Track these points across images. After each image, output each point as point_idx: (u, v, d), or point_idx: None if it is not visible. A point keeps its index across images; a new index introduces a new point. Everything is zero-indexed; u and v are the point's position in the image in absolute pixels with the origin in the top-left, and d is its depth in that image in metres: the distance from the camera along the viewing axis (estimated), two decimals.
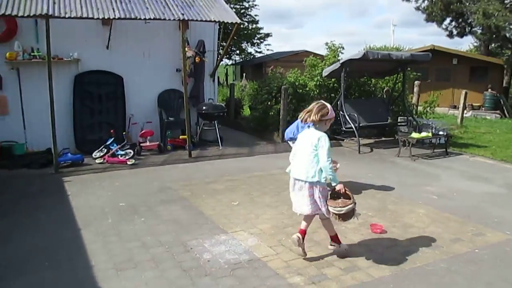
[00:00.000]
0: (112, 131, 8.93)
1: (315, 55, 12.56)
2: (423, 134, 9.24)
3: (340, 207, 4.06)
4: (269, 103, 11.28)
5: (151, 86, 9.85)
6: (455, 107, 19.13)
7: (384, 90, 12.06)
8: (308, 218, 4.41)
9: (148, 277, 3.91)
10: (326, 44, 11.86)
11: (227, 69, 37.29)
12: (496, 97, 19.61)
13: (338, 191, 4.12)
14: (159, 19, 8.34)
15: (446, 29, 23.40)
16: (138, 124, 9.60)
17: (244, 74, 27.02)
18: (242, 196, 6.36)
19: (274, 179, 7.34)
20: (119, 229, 5.05)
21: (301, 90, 11.11)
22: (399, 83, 11.47)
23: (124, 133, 9.20)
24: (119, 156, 8.47)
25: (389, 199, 6.27)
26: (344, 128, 10.11)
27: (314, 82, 11.13)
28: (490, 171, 8.14)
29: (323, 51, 12.75)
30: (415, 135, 9.17)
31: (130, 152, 8.57)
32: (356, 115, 9.97)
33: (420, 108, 12.70)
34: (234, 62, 37.87)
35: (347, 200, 4.11)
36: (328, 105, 4.08)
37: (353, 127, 9.68)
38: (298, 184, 4.19)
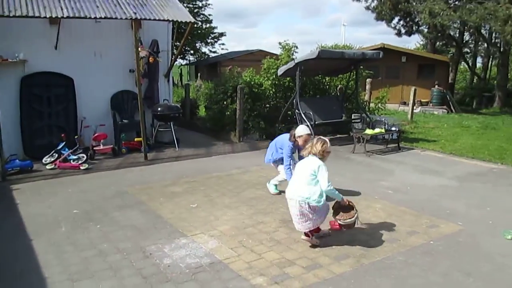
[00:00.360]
0: (63, 135, 8.58)
1: (270, 54, 12.63)
2: (377, 130, 9.49)
3: (348, 218, 4.57)
4: (225, 102, 11.21)
5: (104, 88, 9.55)
6: (405, 103, 19.79)
7: (338, 88, 12.28)
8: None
9: (105, 287, 3.77)
10: (280, 43, 11.93)
11: (181, 69, 36.85)
12: (443, 93, 20.44)
13: (343, 204, 4.64)
14: (111, 18, 8.10)
15: (394, 28, 24.16)
16: (91, 127, 9.28)
17: (199, 74, 26.77)
18: (201, 198, 6.28)
19: (232, 180, 7.30)
20: (74, 237, 4.85)
21: (257, 90, 11.11)
22: (352, 81, 11.72)
23: (76, 137, 8.87)
24: (71, 161, 8.15)
25: (346, 195, 6.36)
26: None
27: (270, 82, 11.17)
28: (440, 165, 8.46)
29: (277, 50, 12.81)
30: (369, 131, 9.40)
31: (83, 157, 8.27)
32: (311, 113, 10.08)
33: (372, 105, 13.03)
34: (188, 62, 37.48)
35: (352, 211, 4.63)
36: (327, 140, 4.66)
37: (309, 125, 9.77)
38: (290, 202, 4.53)
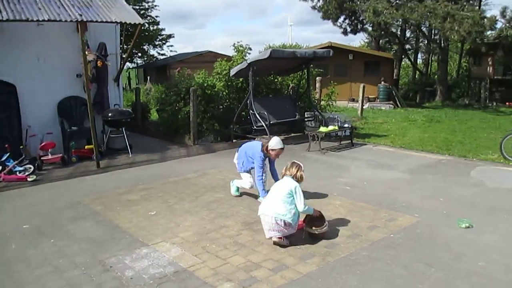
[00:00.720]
0: (7, 145, 8.10)
1: (219, 55, 12.54)
2: (330, 127, 9.66)
3: (320, 228, 4.70)
4: (178, 105, 11.02)
5: (49, 94, 9.11)
6: (353, 100, 20.32)
7: (290, 87, 12.40)
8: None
9: None
10: (234, 45, 11.89)
11: (129, 73, 35.94)
12: (389, 89, 21.17)
13: (314, 216, 4.76)
14: (54, 20, 7.72)
15: (340, 26, 24.70)
16: (37, 136, 8.82)
17: (148, 77, 26.22)
18: (159, 205, 6.11)
19: (190, 184, 7.16)
20: (26, 254, 4.57)
21: (210, 91, 11.01)
22: (304, 80, 11.86)
23: (21, 147, 8.40)
24: (17, 173, 7.71)
25: (306, 193, 6.41)
26: (255, 127, 10.20)
27: (223, 83, 11.09)
28: (392, 158, 8.72)
29: (226, 51, 12.87)
30: (323, 129, 9.54)
31: (30, 168, 7.84)
32: (266, 113, 10.11)
33: (323, 103, 13.25)
34: (136, 65, 36.63)
35: (323, 219, 4.79)
36: (302, 166, 4.87)
37: (264, 125, 9.80)
38: (265, 218, 4.61)
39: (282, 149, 5.91)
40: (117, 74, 10.17)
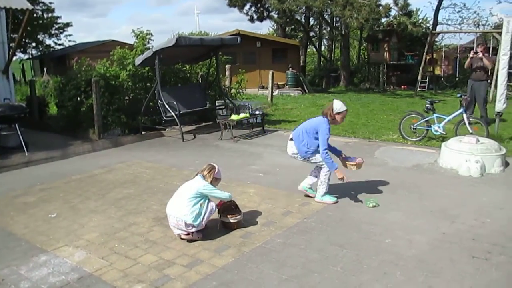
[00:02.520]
0: None
1: (124, 44, 11.84)
2: (242, 115, 9.61)
3: (234, 216, 4.62)
4: (79, 98, 10.27)
5: None
6: (263, 87, 20.55)
7: (200, 76, 12.15)
8: None
9: None
10: (133, 31, 11.21)
11: (23, 64, 33.00)
12: (297, 75, 21.72)
13: (228, 206, 4.69)
14: None
15: (247, 14, 24.83)
16: None
17: (45, 69, 24.28)
18: (61, 206, 5.62)
19: (96, 181, 6.70)
20: None
21: (113, 82, 10.39)
22: (213, 68, 11.67)
23: None
24: None
25: (220, 184, 6.27)
26: (164, 117, 9.85)
27: (127, 72, 10.53)
28: None
29: (131, 40, 12.10)
30: (234, 117, 9.47)
31: None
32: (175, 102, 9.80)
33: (233, 91, 13.18)
34: (31, 56, 33.78)
35: (237, 209, 4.73)
36: (216, 168, 4.64)
37: (174, 115, 9.49)
38: (169, 217, 4.44)
39: (346, 110, 5.43)
40: (5, 65, 9.21)
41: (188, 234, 4.39)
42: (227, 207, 4.68)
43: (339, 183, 5.45)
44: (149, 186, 6.32)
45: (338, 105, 5.29)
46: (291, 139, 5.47)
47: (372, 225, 4.69)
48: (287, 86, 21.47)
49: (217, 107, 11.30)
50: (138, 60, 10.07)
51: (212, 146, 8.92)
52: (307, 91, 21.40)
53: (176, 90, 10.80)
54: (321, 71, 28.98)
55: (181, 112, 9.77)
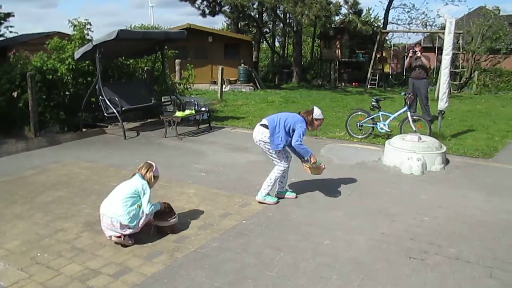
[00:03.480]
0: None
1: (70, 36, 11.08)
2: (187, 112, 9.33)
3: (168, 221, 4.38)
4: (13, 94, 9.60)
5: None
6: (215, 82, 20.24)
7: (145, 71, 11.73)
8: None
9: None
10: (70, 21, 10.48)
11: None
12: (249, 71, 21.56)
13: (162, 210, 4.42)
14: None
15: (198, 8, 24.39)
16: None
17: None
18: None
19: (26, 183, 6.24)
20: None
21: (51, 76, 9.80)
22: (159, 62, 11.30)
23: None
24: None
25: (158, 184, 5.93)
26: (106, 114, 9.40)
27: (66, 66, 9.95)
28: (249, 141, 8.60)
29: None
30: (179, 113, 9.17)
31: None
32: (117, 98, 9.37)
33: (181, 86, 12.83)
34: None
35: (172, 212, 4.47)
36: (154, 166, 4.45)
37: (115, 111, 9.07)
38: (103, 217, 4.19)
39: (323, 120, 5.37)
40: None
41: (120, 236, 4.12)
42: (161, 210, 4.44)
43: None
44: (83, 187, 5.95)
45: (318, 112, 5.24)
46: (263, 125, 5.16)
47: (312, 226, 4.59)
48: (239, 82, 21.28)
49: (163, 104, 10.95)
50: (77, 54, 9.53)
51: (155, 144, 8.59)
52: (259, 87, 21.30)
53: (119, 85, 10.36)
54: (274, 67, 29.01)
55: (123, 108, 9.36)
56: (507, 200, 5.45)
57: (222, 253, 4.01)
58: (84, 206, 5.24)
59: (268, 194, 5.26)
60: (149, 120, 10.98)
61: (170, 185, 5.93)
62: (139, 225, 4.19)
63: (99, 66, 9.19)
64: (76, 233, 4.52)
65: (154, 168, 4.43)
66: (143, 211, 4.20)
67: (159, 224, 4.40)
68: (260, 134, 5.17)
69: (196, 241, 4.24)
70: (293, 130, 5.08)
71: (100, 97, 9.31)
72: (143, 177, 4.33)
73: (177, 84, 12.78)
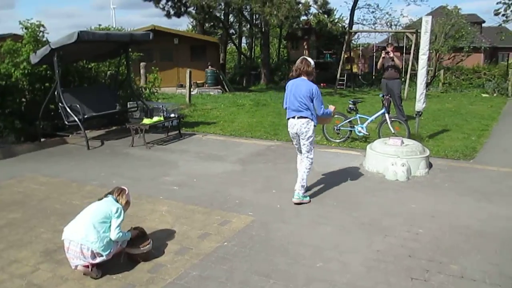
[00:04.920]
0: None
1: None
2: (155, 118, 8.74)
3: (141, 247, 3.86)
4: None
5: None
6: (182, 85, 19.64)
7: (108, 75, 11.05)
8: None
9: None
10: (21, 23, 9.63)
11: None
12: (216, 73, 21.05)
13: (134, 236, 3.91)
14: None
15: (163, 9, 23.68)
16: None
17: None
18: None
19: None
20: None
21: (5, 82, 9.00)
22: (123, 66, 10.65)
23: None
24: None
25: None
26: (67, 122, 8.70)
27: (21, 71, 9.16)
28: (223, 148, 8.26)
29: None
30: (146, 121, 8.57)
31: None
32: (78, 105, 8.69)
33: (147, 91, 12.19)
34: None
35: (145, 237, 3.97)
36: (126, 190, 3.99)
37: (77, 120, 8.40)
38: (70, 244, 3.60)
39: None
40: None
41: (87, 266, 3.57)
42: (133, 235, 3.91)
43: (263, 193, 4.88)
44: (42, 207, 5.32)
45: (311, 59, 5.38)
46: (295, 117, 5.17)
47: (301, 246, 4.17)
48: (206, 85, 20.74)
49: (129, 110, 10.31)
50: (34, 58, 8.78)
51: (122, 154, 7.97)
52: (227, 89, 20.84)
53: (81, 91, 9.64)
54: (242, 69, 28.62)
55: (86, 116, 8.70)
56: (498, 206, 5.21)
57: (204, 283, 3.53)
58: (43, 230, 4.64)
59: (304, 194, 5.30)
60: (114, 128, 10.33)
61: (140, 202, 5.39)
62: (112, 252, 3.67)
63: (58, 71, 8.48)
64: (33, 264, 3.92)
65: (127, 192, 3.95)
66: None
67: (131, 252, 3.87)
68: (295, 126, 5.20)
69: (173, 270, 3.74)
70: (311, 98, 5.12)
71: (60, 104, 8.61)
72: (117, 200, 3.84)
73: (142, 89, 12.13)
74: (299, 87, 5.16)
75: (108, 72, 11.05)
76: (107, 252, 3.59)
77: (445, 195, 5.61)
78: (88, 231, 3.57)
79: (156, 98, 12.26)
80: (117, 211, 3.72)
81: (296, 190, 5.24)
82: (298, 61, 5.31)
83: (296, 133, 5.23)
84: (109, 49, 9.91)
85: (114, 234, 3.64)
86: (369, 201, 5.40)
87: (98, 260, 3.58)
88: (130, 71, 10.42)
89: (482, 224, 4.67)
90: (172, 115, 9.18)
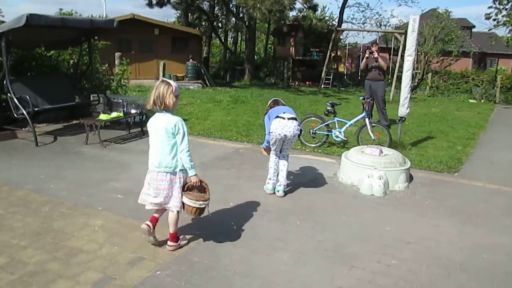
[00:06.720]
0: None
1: None
2: (113, 114, 7.95)
3: (201, 200, 3.76)
4: None
5: None
6: (159, 78, 18.82)
7: (71, 64, 10.21)
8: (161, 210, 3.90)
9: None
10: None
11: None
12: (197, 67, 20.24)
13: (194, 183, 3.79)
14: None
15: None
16: None
17: None
18: None
19: None
20: None
21: None
22: (87, 55, 9.82)
23: None
24: None
25: (59, 211, 4.67)
26: (15, 115, 7.86)
27: None
28: None
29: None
30: (103, 116, 7.78)
31: None
32: (29, 96, 7.87)
33: (114, 84, 11.36)
34: None
35: (204, 193, 3.85)
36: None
37: (25, 112, 7.58)
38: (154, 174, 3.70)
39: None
40: None
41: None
42: (194, 185, 3.82)
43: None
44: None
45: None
46: (293, 118, 5.14)
47: (249, 278, 3.46)
48: (186, 79, 19.93)
49: (92, 103, 9.50)
50: None
51: (72, 153, 7.16)
52: (208, 84, 20.05)
53: (35, 80, 8.79)
54: (226, 64, 27.80)
55: (37, 109, 7.88)
56: (484, 232, 4.55)
57: None
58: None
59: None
60: (74, 122, 9.48)
61: (74, 213, 4.62)
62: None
63: (5, 58, 7.63)
64: None
65: (174, 88, 3.78)
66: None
67: (187, 202, 3.76)
68: (291, 128, 5.08)
69: None
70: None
71: (9, 94, 7.77)
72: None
73: (111, 81, 11.30)
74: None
75: (71, 61, 10.20)
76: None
77: (424, 215, 4.94)
78: (161, 156, 3.78)
79: (124, 91, 11.43)
80: (176, 127, 3.84)
81: (281, 186, 5.32)
82: None
83: (285, 135, 5.05)
84: (69, 36, 9.07)
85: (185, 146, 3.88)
86: (338, 220, 4.71)
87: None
88: (93, 60, 9.59)
89: (465, 254, 4.01)
90: (133, 111, 8.40)
